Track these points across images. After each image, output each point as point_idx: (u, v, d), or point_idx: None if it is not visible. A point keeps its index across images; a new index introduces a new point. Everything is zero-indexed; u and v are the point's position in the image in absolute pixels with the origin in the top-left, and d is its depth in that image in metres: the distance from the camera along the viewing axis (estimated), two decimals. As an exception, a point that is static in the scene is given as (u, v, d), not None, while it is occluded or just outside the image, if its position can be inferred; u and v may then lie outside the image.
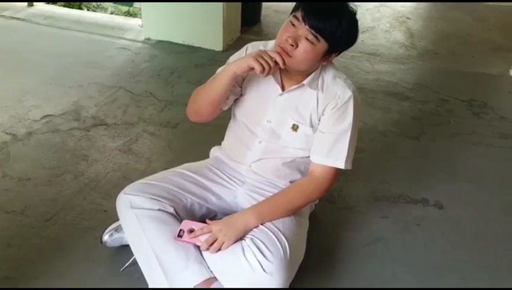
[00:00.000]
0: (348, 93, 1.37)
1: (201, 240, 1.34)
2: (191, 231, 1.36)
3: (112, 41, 3.32)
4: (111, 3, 4.31)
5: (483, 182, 2.03)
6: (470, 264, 1.61)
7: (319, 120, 1.40)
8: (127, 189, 1.44)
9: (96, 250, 1.56)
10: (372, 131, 2.36)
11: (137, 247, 1.39)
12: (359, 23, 1.30)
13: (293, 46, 1.25)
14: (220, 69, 1.51)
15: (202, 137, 2.20)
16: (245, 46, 1.49)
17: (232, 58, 1.49)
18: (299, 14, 1.25)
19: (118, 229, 1.55)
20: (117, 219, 1.56)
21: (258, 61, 1.25)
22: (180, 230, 1.36)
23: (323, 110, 1.38)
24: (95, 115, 2.38)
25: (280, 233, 1.33)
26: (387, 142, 2.29)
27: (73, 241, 1.61)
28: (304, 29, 1.24)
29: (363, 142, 2.12)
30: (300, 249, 1.40)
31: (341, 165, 1.39)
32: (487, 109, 2.63)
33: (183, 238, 1.34)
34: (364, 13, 4.08)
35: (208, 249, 1.32)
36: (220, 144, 1.68)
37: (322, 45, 1.26)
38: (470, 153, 2.24)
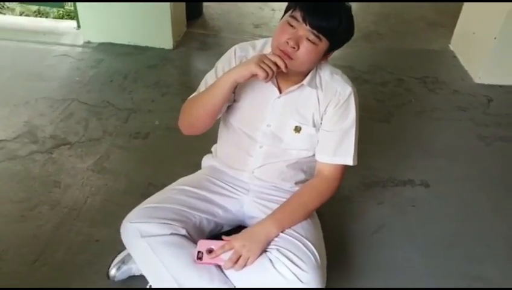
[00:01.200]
0: (348, 89, 1.36)
1: (223, 258, 1.28)
2: (210, 251, 1.29)
3: (48, 49, 3.02)
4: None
5: (455, 156, 2.17)
6: (467, 236, 1.72)
7: (322, 119, 1.38)
8: (131, 217, 1.33)
9: (101, 285, 1.43)
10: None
11: (156, 277, 1.30)
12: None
13: (294, 48, 1.20)
14: (208, 76, 1.43)
15: (179, 145, 2.10)
16: (232, 49, 1.42)
17: (220, 64, 1.41)
18: (297, 14, 1.20)
19: (125, 260, 1.43)
20: (114, 247, 1.47)
21: (262, 67, 1.19)
22: (199, 252, 1.28)
23: (325, 108, 1.36)
24: (53, 134, 2.15)
25: (304, 239, 1.31)
26: (361, 127, 2.33)
27: (71, 281, 1.45)
28: (304, 30, 1.20)
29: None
30: (323, 251, 1.38)
31: (350, 162, 1.39)
32: (440, 84, 2.79)
33: (203, 260, 1.27)
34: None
35: (232, 267, 1.26)
36: (201, 150, 1.60)
37: (324, 44, 1.23)
38: (436, 128, 2.37)
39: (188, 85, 2.67)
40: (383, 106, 2.54)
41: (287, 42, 1.20)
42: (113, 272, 1.41)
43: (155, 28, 3.06)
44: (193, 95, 1.44)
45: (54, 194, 1.80)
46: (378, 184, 1.94)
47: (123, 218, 1.42)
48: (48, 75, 2.69)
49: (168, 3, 2.94)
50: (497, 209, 1.86)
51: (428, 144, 2.23)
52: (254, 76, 1.22)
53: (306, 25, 1.19)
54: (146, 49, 3.07)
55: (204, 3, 3.78)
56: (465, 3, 3.09)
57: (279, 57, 1.21)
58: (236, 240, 1.29)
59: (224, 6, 3.90)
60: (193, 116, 1.39)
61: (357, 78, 2.83)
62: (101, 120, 2.30)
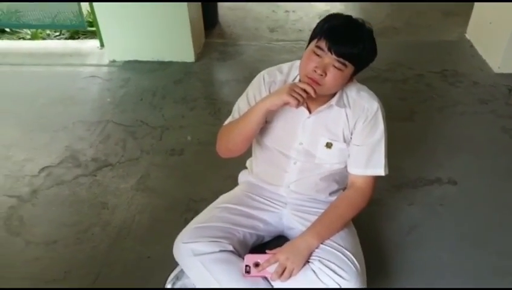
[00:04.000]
0: (375, 104, 1.44)
1: (269, 271, 1.38)
2: (257, 264, 1.39)
3: (76, 71, 3.16)
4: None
5: (480, 150, 2.22)
6: (497, 231, 1.78)
7: (351, 134, 1.46)
8: (183, 237, 1.44)
9: (159, 300, 1.56)
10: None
11: (211, 291, 1.42)
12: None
13: (322, 75, 1.28)
14: (240, 102, 1.52)
15: (213, 159, 2.15)
16: (260, 76, 1.50)
17: (251, 91, 1.49)
18: (322, 44, 1.27)
19: (179, 276, 1.54)
20: (164, 263, 1.59)
21: (293, 96, 1.28)
22: (246, 266, 1.39)
23: (355, 124, 1.44)
24: (94, 157, 2.29)
25: (343, 249, 1.40)
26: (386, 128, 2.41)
27: (131, 298, 1.59)
28: (330, 58, 1.27)
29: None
30: (362, 257, 1.47)
31: (381, 172, 1.47)
32: (459, 77, 2.82)
33: (251, 274, 1.38)
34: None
35: (278, 278, 1.37)
36: (234, 163, 1.70)
37: (350, 69, 1.30)
38: (459, 123, 2.42)
39: (213, 98, 2.77)
40: (405, 104, 2.59)
41: (315, 70, 1.28)
42: (169, 287, 1.53)
43: (176, 42, 3.16)
44: (228, 121, 1.53)
45: (103, 215, 1.94)
46: (407, 185, 2.02)
47: (170, 234, 1.54)
48: (80, 98, 2.83)
49: (187, 16, 3.01)
50: (526, 202, 1.92)
51: (453, 140, 2.29)
52: (286, 104, 1.31)
53: (331, 54, 1.26)
54: (170, 64, 3.18)
55: (220, 12, 3.87)
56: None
57: (308, 84, 1.30)
58: (280, 253, 1.39)
59: (238, 13, 3.98)
60: (230, 143, 1.49)
61: (377, 77, 2.88)
62: (137, 139, 2.42)
